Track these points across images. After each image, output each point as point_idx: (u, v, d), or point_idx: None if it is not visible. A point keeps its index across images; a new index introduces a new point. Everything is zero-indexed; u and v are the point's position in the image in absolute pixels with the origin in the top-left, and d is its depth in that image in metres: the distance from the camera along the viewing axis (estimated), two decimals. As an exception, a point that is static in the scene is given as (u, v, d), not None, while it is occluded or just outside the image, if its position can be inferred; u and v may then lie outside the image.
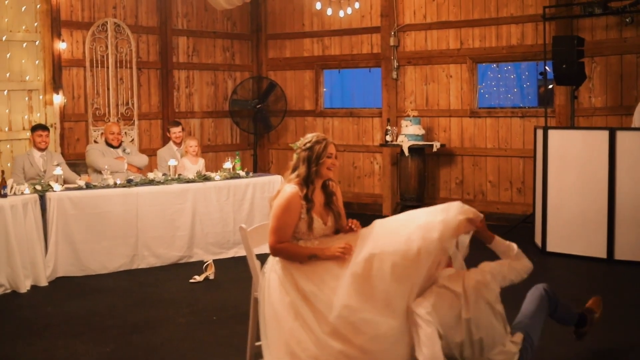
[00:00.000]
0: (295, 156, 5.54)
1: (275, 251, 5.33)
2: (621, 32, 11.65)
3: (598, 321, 6.03)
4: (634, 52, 11.48)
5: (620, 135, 9.57)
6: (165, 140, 12.95)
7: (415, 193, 12.80)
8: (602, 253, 9.63)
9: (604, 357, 6.08)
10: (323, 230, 5.42)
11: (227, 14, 14.77)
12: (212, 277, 8.98)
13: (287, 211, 5.31)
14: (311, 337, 5.10)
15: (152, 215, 9.67)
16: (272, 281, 5.37)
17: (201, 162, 11.22)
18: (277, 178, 10.78)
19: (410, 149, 12.61)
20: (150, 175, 10.13)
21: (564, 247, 10.01)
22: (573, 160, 9.94)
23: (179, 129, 11.63)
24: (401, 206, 12.85)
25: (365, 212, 13.77)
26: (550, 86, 11.99)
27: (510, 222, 11.97)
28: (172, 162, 10.42)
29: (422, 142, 12.78)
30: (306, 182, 5.38)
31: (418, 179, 12.79)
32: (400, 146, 12.69)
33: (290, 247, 5.31)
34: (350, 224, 5.52)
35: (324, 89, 15.05)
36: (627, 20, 11.31)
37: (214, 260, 9.30)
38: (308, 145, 5.44)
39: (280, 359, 5.19)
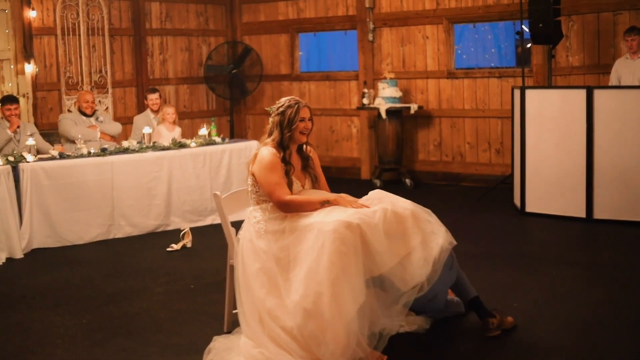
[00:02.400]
0: (270, 120, 5.52)
1: (285, 205, 5.30)
2: (597, -10, 11.59)
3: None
4: (611, 9, 11.40)
5: (598, 94, 9.51)
6: (140, 107, 12.84)
7: (394, 156, 12.73)
8: (581, 212, 9.60)
9: (586, 317, 6.05)
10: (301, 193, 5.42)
11: (200, -21, 14.63)
12: (189, 245, 8.90)
13: (274, 169, 5.33)
14: (280, 306, 5.07)
15: (128, 184, 9.57)
16: (245, 248, 5.34)
17: (178, 130, 11.08)
18: (254, 144, 10.69)
19: (388, 111, 12.53)
20: (125, 144, 9.99)
21: (543, 207, 9.97)
22: (551, 119, 9.88)
23: (155, 95, 11.46)
24: (379, 169, 12.78)
25: (344, 176, 13.71)
26: (528, 45, 11.92)
27: (489, 183, 11.93)
28: (147, 130, 10.30)
29: (400, 105, 12.71)
30: (281, 146, 5.39)
31: (396, 141, 12.72)
32: (378, 109, 12.60)
33: (299, 198, 5.34)
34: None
35: (300, 53, 14.93)
36: (603, -23, 11.26)
37: (191, 228, 9.21)
38: (281, 109, 5.44)
39: (254, 328, 5.15)
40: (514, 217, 10.06)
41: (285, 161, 5.38)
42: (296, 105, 5.42)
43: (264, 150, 5.39)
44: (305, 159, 5.59)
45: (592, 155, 9.53)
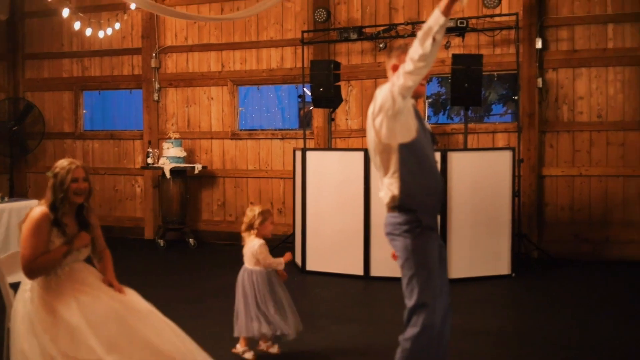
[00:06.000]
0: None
1: (31, 271, 5.16)
2: (375, 57, 12.12)
3: None
4: (386, 76, 11.92)
5: (375, 157, 9.90)
6: None
7: (178, 216, 12.75)
8: (359, 270, 9.94)
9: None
10: (75, 256, 5.33)
11: (-20, 33, 14.26)
12: (-37, 307, 8.56)
13: (37, 233, 5.16)
14: None
15: None
16: (16, 312, 5.23)
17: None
18: (35, 203, 10.46)
19: (172, 171, 12.56)
20: None
21: (323, 265, 10.25)
22: (331, 180, 10.21)
23: None
24: (163, 229, 12.76)
25: (128, 236, 13.59)
26: (311, 108, 12.28)
27: (272, 243, 12.07)
28: None
29: (184, 165, 12.78)
30: (54, 208, 5.25)
31: (180, 201, 12.75)
32: (162, 168, 12.62)
33: (43, 259, 5.14)
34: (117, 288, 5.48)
35: (84, 111, 14.76)
36: (381, 45, 11.76)
37: (-33, 290, 8.87)
38: (55, 171, 5.34)
39: None
40: (296, 276, 10.25)
41: (58, 223, 5.24)
42: (68, 167, 5.33)
43: (35, 210, 5.25)
44: (85, 225, 5.46)
45: (369, 214, 9.90)
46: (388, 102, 4.88)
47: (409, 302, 5.03)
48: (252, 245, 6.62)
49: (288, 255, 6.71)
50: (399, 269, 5.20)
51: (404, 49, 5.10)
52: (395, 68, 5.11)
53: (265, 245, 6.65)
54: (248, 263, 6.67)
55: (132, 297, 5.44)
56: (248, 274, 6.64)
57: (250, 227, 6.69)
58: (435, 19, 4.56)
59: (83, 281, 5.30)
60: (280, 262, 6.63)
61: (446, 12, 4.55)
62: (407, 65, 4.72)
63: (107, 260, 5.60)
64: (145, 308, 5.39)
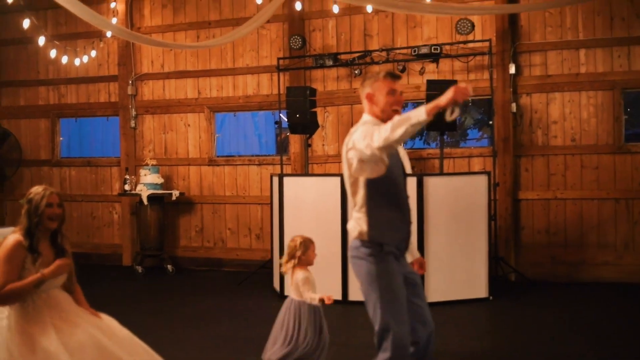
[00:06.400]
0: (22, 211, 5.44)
1: (1, 299, 5.16)
2: (351, 83, 12.20)
3: None
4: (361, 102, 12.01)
5: (353, 181, 9.95)
6: None
7: (155, 242, 12.74)
8: (337, 295, 9.94)
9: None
10: (52, 282, 5.31)
11: (-44, 61, 14.26)
12: (-59, 335, 8.51)
13: (9, 260, 5.15)
14: None
15: None
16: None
17: None
18: (10, 230, 10.41)
19: (150, 197, 12.57)
20: None
21: (301, 290, 10.25)
22: (308, 206, 10.24)
23: None
24: (141, 256, 12.74)
25: (105, 263, 13.55)
26: (288, 134, 12.33)
27: (249, 268, 12.15)
28: None
29: (161, 191, 12.79)
30: (29, 234, 5.25)
31: (158, 227, 12.75)
32: (140, 195, 12.62)
33: (12, 287, 5.13)
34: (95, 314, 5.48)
35: (61, 138, 14.75)
36: (356, 72, 11.87)
37: (-57, 318, 8.82)
38: (29, 197, 5.35)
39: None
40: (274, 301, 10.25)
41: (33, 249, 5.22)
42: (43, 192, 5.37)
43: (9, 238, 5.25)
44: (61, 251, 5.43)
45: (346, 239, 9.88)
46: (359, 145, 4.98)
47: (376, 326, 5.06)
48: (297, 277, 6.62)
49: (328, 299, 6.57)
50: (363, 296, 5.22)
51: (376, 78, 5.19)
52: (369, 97, 5.20)
53: (309, 279, 6.64)
54: (294, 295, 6.65)
55: (110, 323, 5.45)
56: (295, 305, 6.61)
57: (292, 257, 6.69)
58: (417, 114, 4.63)
59: (60, 308, 5.29)
60: (313, 298, 6.55)
61: (430, 114, 4.61)
62: (374, 140, 4.80)
63: (79, 292, 5.60)
64: (124, 334, 5.40)
